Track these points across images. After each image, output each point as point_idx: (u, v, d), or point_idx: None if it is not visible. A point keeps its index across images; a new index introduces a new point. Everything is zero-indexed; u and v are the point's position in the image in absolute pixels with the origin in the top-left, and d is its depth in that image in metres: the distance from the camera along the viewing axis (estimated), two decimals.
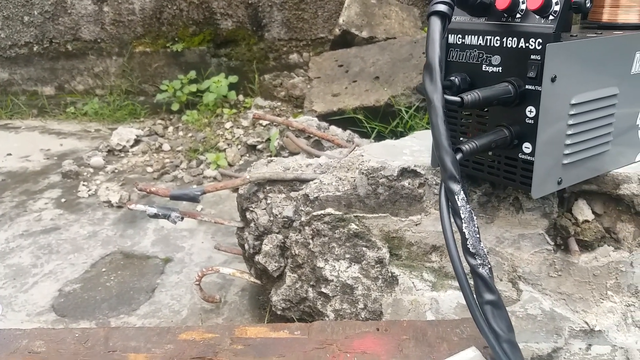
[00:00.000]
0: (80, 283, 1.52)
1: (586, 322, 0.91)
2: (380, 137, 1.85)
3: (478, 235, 0.60)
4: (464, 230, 0.61)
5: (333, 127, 1.58)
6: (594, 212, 0.90)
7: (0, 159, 2.61)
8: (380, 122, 1.91)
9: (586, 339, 0.92)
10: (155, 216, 1.10)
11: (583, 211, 0.90)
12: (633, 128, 0.85)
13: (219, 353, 0.74)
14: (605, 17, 0.85)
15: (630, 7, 0.84)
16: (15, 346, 0.79)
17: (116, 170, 2.38)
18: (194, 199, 1.08)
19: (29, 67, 3.43)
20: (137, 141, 2.66)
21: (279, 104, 2.77)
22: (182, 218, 1.11)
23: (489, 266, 0.58)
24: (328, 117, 1.86)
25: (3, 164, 2.56)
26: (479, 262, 0.59)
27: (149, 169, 2.36)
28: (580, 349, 0.92)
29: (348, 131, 1.61)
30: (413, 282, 0.93)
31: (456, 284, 0.93)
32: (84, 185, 2.22)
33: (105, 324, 1.33)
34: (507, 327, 0.59)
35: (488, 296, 0.58)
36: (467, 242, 0.60)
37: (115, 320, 1.35)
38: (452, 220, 0.62)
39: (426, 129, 1.78)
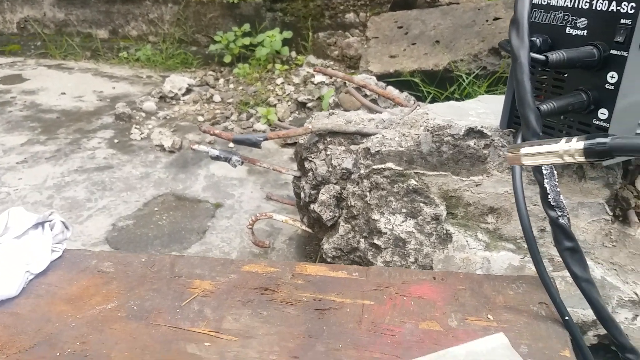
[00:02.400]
0: (133, 220, 1.59)
1: (636, 293, 0.91)
2: (435, 102, 1.83)
3: (558, 190, 0.62)
4: (546, 185, 0.62)
5: (391, 87, 1.58)
6: None
7: (54, 98, 2.70)
8: (437, 87, 1.90)
9: (633, 309, 0.92)
10: (217, 158, 1.14)
11: None
12: None
13: (280, 286, 0.78)
14: None
15: None
16: (85, 265, 0.84)
17: (168, 117, 2.44)
18: (255, 144, 1.11)
19: (85, 8, 3.49)
20: (188, 90, 2.71)
21: (332, 63, 2.76)
22: (242, 162, 1.14)
23: (568, 216, 0.61)
24: (384, 78, 1.85)
25: (57, 102, 2.65)
26: (559, 213, 0.61)
27: (200, 118, 2.40)
28: (626, 318, 0.93)
29: (405, 93, 1.60)
30: (467, 241, 0.95)
31: (509, 245, 0.94)
32: (136, 128, 2.29)
33: None
34: (584, 269, 0.63)
35: (567, 243, 0.62)
36: (549, 196, 0.62)
37: None
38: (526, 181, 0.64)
39: (488, 93, 1.76)
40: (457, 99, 1.78)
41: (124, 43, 3.44)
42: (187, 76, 2.88)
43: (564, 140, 0.40)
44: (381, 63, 1.96)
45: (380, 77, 1.85)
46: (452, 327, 0.68)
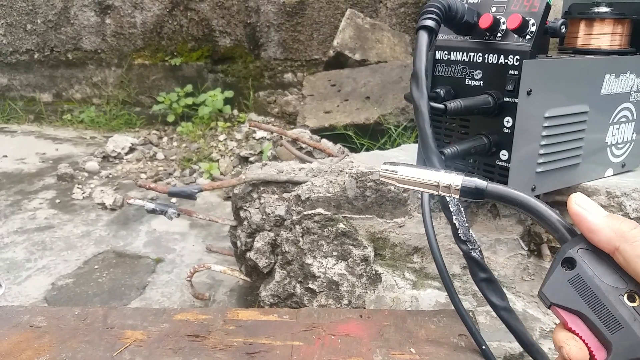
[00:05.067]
0: (72, 278, 1.55)
1: (556, 324, 0.97)
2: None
3: (467, 224, 0.67)
4: (454, 221, 0.67)
5: (324, 141, 1.65)
6: None
7: None
8: (370, 139, 1.99)
9: None
10: (153, 211, 1.15)
11: None
12: (602, 145, 0.93)
13: (211, 332, 0.79)
14: (580, 42, 0.94)
15: (602, 34, 0.93)
16: (17, 321, 0.83)
17: (110, 176, 2.43)
18: (191, 196, 1.13)
19: (29, 73, 3.48)
20: (131, 149, 2.71)
21: (272, 119, 2.85)
22: (179, 214, 1.16)
23: (479, 249, 0.65)
24: (320, 133, 1.93)
25: None
26: (471, 247, 0.66)
27: (143, 176, 2.40)
28: (550, 348, 0.98)
29: (339, 145, 1.68)
30: (395, 281, 0.99)
31: (435, 283, 0.99)
32: (78, 187, 2.26)
33: None
34: (502, 298, 0.66)
35: (482, 274, 0.66)
36: (459, 231, 0.67)
37: None
38: (435, 217, 0.69)
39: (413, 144, 1.85)
40: (387, 149, 1.88)
41: (67, 106, 3.43)
42: (130, 136, 2.89)
43: (443, 172, 0.44)
44: (317, 118, 2.05)
45: (316, 131, 1.93)
46: None
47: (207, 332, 0.79)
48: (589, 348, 0.35)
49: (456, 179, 0.42)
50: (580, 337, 0.35)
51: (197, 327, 0.80)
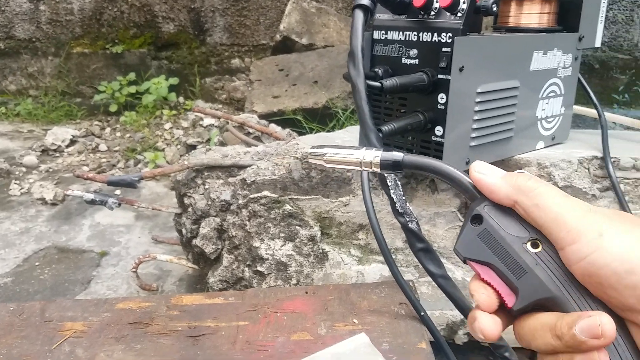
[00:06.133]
0: (11, 277, 1.50)
1: None
2: None
3: (404, 198, 0.69)
4: (392, 195, 0.69)
5: (273, 125, 1.64)
6: None
7: None
8: (319, 123, 2.00)
9: None
10: (93, 202, 1.12)
11: None
12: (533, 119, 0.97)
13: (155, 319, 0.78)
14: (511, 21, 0.97)
15: (531, 13, 0.96)
16: None
17: (50, 170, 2.34)
18: (131, 185, 1.11)
19: None
20: (72, 141, 2.62)
21: (220, 106, 2.81)
22: (120, 204, 1.13)
23: (416, 221, 0.68)
24: (269, 118, 1.92)
25: None
26: (408, 219, 0.68)
27: (85, 168, 2.33)
28: None
29: (287, 129, 1.67)
30: (342, 258, 1.01)
31: (380, 258, 1.01)
32: (15, 183, 2.17)
33: None
34: (439, 266, 0.69)
35: (419, 245, 0.68)
36: (396, 205, 0.69)
37: None
38: (378, 195, 0.71)
39: (358, 125, 1.88)
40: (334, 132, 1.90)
41: (1, 98, 3.27)
42: (71, 128, 2.79)
43: (364, 149, 0.45)
44: (265, 103, 2.04)
45: (265, 117, 1.92)
46: (322, 335, 0.72)
47: (150, 318, 0.78)
48: (500, 295, 0.37)
49: (376, 154, 0.44)
50: (492, 286, 0.37)
51: (140, 314, 0.79)
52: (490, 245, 0.37)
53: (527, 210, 0.37)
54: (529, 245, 0.37)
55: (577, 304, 0.35)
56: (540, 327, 0.36)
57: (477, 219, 0.38)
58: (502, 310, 0.38)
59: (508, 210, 0.38)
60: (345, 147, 0.45)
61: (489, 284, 0.37)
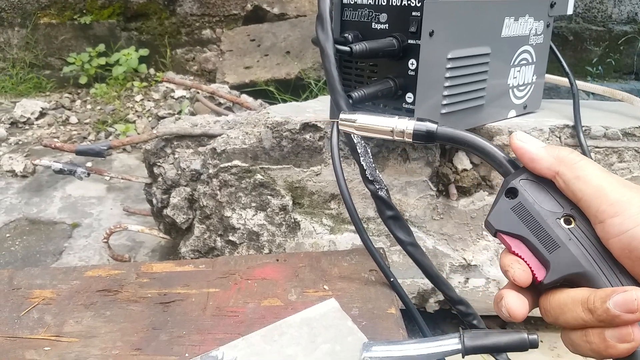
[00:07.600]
0: None
1: (464, 259, 1.03)
2: None
3: (374, 165, 0.69)
4: (362, 162, 0.69)
5: (244, 95, 1.62)
6: (471, 162, 1.02)
7: None
8: (292, 94, 1.98)
9: (464, 273, 1.04)
10: (61, 172, 1.10)
11: (462, 161, 1.01)
12: (505, 87, 0.97)
13: (124, 286, 0.77)
14: None
15: None
16: None
17: (20, 142, 2.28)
18: (99, 154, 1.09)
19: None
20: (42, 114, 2.55)
21: (192, 77, 2.76)
22: (89, 174, 1.11)
23: (386, 189, 0.68)
24: (241, 89, 1.90)
25: None
26: (378, 187, 0.68)
27: (55, 140, 2.27)
28: (459, 282, 1.04)
29: (259, 100, 1.66)
30: (313, 227, 1.01)
31: (352, 227, 1.02)
32: None
33: None
34: (408, 234, 0.69)
35: (389, 212, 0.68)
36: (366, 172, 0.69)
37: None
38: (350, 164, 0.70)
39: None
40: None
41: None
42: (40, 100, 2.71)
43: (397, 117, 0.45)
44: (236, 74, 2.01)
45: (237, 87, 1.89)
46: (292, 301, 0.73)
47: (120, 286, 0.77)
48: (530, 268, 0.37)
49: (409, 124, 0.44)
50: (523, 259, 0.38)
51: (110, 281, 0.78)
52: (523, 218, 0.38)
53: (568, 182, 0.37)
54: (562, 221, 0.37)
55: (609, 280, 0.35)
56: (571, 301, 0.36)
57: (512, 193, 0.39)
58: (529, 290, 0.38)
59: (544, 185, 0.38)
60: (378, 115, 0.45)
61: (519, 257, 0.38)
